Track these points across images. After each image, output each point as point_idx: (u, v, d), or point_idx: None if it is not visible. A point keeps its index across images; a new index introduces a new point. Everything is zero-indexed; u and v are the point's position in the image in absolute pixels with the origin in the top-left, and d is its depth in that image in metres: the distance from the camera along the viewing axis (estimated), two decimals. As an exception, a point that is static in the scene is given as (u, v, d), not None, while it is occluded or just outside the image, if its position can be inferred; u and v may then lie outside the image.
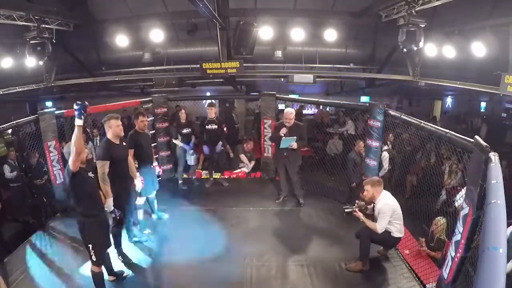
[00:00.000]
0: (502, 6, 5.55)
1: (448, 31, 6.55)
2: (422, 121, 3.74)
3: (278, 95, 6.26)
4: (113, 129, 3.52)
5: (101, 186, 3.28)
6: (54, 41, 6.42)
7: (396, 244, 3.77)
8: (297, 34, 7.38)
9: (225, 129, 5.86)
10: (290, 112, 4.97)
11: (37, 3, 6.01)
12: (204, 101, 9.02)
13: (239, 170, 6.62)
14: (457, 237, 2.76)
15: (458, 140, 3.02)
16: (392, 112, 4.39)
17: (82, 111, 2.71)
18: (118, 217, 3.37)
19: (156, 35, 7.31)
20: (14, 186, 5.79)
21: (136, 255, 3.92)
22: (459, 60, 6.45)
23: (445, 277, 2.84)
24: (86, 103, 2.75)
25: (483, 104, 11.81)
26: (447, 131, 3.21)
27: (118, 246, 3.76)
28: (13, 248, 4.06)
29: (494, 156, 2.42)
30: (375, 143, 4.60)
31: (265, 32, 7.16)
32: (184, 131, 5.85)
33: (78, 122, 2.70)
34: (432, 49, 6.72)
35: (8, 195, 5.98)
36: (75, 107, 2.71)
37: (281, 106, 8.20)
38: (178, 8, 7.14)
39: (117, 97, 8.32)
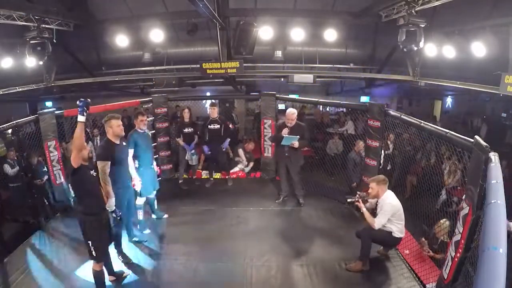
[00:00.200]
0: (502, 6, 5.54)
1: (448, 31, 6.55)
2: (422, 121, 3.75)
3: (278, 95, 6.26)
4: (114, 129, 3.52)
5: (102, 186, 3.28)
6: (54, 41, 6.41)
7: (397, 244, 3.77)
8: (297, 34, 7.37)
9: (230, 125, 5.85)
10: (292, 112, 4.90)
11: (37, 3, 6.01)
12: (204, 101, 9.02)
13: (237, 169, 6.62)
14: (457, 237, 2.76)
15: (458, 140, 3.02)
16: (392, 112, 4.40)
17: (85, 108, 2.79)
18: (119, 217, 3.38)
19: (156, 35, 7.31)
20: (14, 186, 5.78)
21: (136, 255, 3.92)
22: (459, 60, 6.44)
23: (445, 277, 2.84)
24: (89, 100, 2.82)
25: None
26: (447, 131, 3.21)
27: (118, 246, 3.77)
28: (13, 248, 4.05)
29: (494, 156, 2.42)
30: (375, 143, 4.60)
31: (265, 32, 7.15)
32: (186, 130, 5.85)
33: (81, 118, 2.77)
34: (432, 49, 6.71)
35: (8, 195, 5.97)
36: (78, 103, 2.78)
37: (281, 106, 8.19)
38: (178, 8, 7.14)
39: (117, 97, 8.34)
